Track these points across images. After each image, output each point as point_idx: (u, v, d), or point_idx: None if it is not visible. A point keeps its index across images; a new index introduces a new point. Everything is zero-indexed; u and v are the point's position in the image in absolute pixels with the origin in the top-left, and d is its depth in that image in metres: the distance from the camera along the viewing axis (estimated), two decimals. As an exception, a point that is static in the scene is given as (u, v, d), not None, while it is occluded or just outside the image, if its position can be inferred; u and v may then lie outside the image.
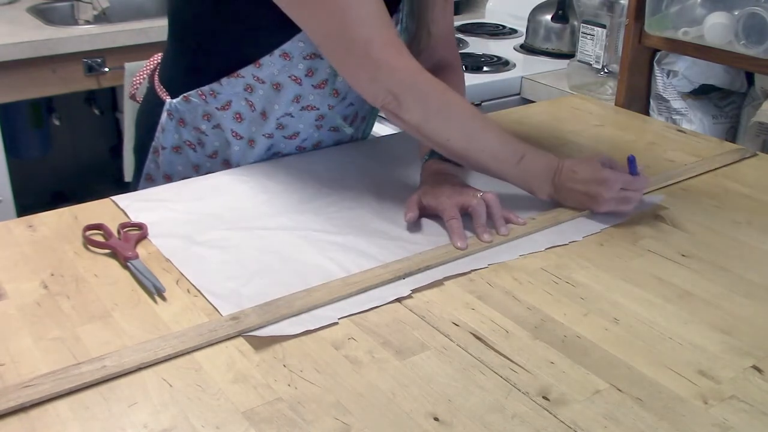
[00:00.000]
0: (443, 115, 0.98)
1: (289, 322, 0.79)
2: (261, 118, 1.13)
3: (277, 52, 1.06)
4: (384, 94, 0.97)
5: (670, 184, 1.15)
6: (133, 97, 1.30)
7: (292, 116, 1.13)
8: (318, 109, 1.14)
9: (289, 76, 1.09)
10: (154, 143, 1.19)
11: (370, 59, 0.96)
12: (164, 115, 1.17)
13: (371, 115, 1.28)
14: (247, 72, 1.09)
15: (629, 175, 1.02)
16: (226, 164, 1.17)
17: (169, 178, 1.20)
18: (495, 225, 0.98)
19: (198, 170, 1.19)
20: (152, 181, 1.22)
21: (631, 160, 1.04)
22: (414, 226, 1.00)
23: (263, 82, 1.09)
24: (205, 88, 1.12)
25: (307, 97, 1.12)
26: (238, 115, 1.13)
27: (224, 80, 1.10)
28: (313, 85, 1.11)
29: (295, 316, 0.80)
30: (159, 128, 1.18)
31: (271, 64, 1.08)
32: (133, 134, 1.27)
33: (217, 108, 1.13)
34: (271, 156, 1.18)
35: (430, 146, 1.04)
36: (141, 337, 0.77)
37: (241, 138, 1.15)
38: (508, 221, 1.00)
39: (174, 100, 1.15)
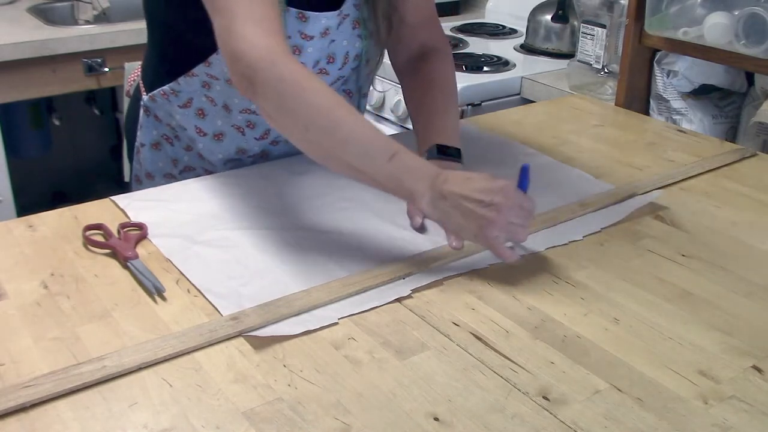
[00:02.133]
0: (301, 102, 0.86)
1: (289, 322, 0.79)
2: (224, 111, 1.12)
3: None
4: (239, 78, 0.89)
5: (670, 184, 1.16)
6: (128, 93, 1.31)
7: (255, 113, 1.11)
8: None
9: None
10: (136, 143, 1.20)
11: (230, 34, 0.88)
12: (141, 111, 1.18)
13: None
14: (200, 71, 1.08)
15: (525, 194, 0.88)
16: (202, 157, 1.17)
17: (150, 177, 1.21)
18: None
19: (176, 164, 1.19)
20: (139, 183, 1.23)
21: (524, 171, 0.90)
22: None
23: (217, 79, 1.09)
24: (166, 88, 1.12)
25: None
26: (200, 111, 1.12)
27: (181, 79, 1.10)
28: None
29: (295, 316, 0.80)
30: (138, 125, 1.19)
31: (220, 62, 1.06)
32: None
33: (179, 106, 1.12)
34: (242, 156, 1.17)
35: (291, 141, 0.91)
36: (141, 337, 0.77)
37: (205, 135, 1.14)
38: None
39: (145, 97, 1.16)
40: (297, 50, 1.06)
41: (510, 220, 0.84)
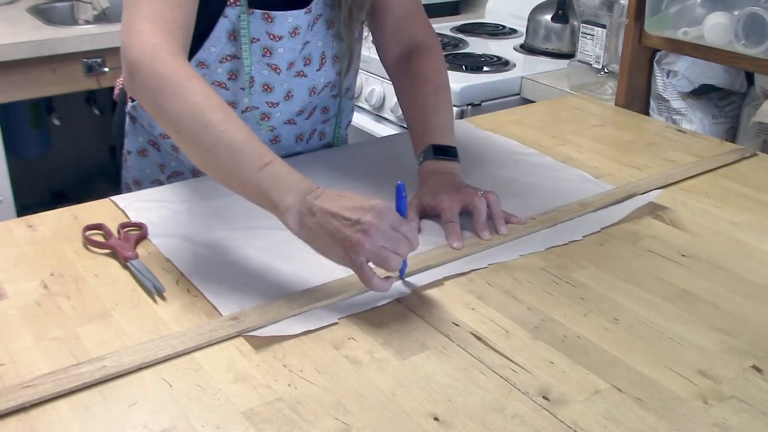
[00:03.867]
0: (176, 100, 0.84)
1: (289, 322, 0.79)
2: None
3: (192, 63, 1.03)
4: (124, 72, 0.88)
5: (670, 184, 1.16)
6: (116, 98, 1.30)
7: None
8: (258, 108, 1.10)
9: (213, 83, 1.05)
10: (123, 150, 1.20)
11: (126, 28, 0.89)
12: (127, 118, 1.18)
13: (338, 113, 1.23)
14: None
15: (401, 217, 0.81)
16: (187, 162, 1.16)
17: (138, 184, 1.20)
18: (495, 224, 0.97)
19: (164, 169, 1.18)
20: (129, 190, 1.22)
21: (399, 190, 0.84)
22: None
23: (235, 78, 1.07)
24: (137, 102, 1.11)
25: (241, 100, 1.08)
26: None
27: (192, 65, 1.09)
28: (241, 88, 1.07)
29: (295, 315, 0.80)
30: (124, 132, 1.19)
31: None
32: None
33: (153, 123, 1.12)
34: None
35: (169, 134, 0.88)
36: (141, 337, 0.77)
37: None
38: (508, 221, 0.99)
39: (130, 104, 1.16)
40: (267, 52, 1.05)
41: (380, 243, 0.77)
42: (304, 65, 1.10)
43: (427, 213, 1.01)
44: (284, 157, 1.15)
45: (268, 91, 1.09)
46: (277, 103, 1.11)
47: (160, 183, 1.18)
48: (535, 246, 0.96)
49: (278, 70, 1.07)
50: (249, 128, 0.85)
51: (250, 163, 0.82)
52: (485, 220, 0.97)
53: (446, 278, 0.89)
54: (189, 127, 0.83)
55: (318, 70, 1.11)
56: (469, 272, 0.90)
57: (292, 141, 1.18)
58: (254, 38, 1.03)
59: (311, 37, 1.08)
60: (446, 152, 1.05)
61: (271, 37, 1.04)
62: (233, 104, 1.08)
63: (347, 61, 1.16)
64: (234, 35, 1.03)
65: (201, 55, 1.03)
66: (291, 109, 1.13)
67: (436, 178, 1.03)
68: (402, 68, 1.18)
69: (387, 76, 1.21)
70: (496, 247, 0.96)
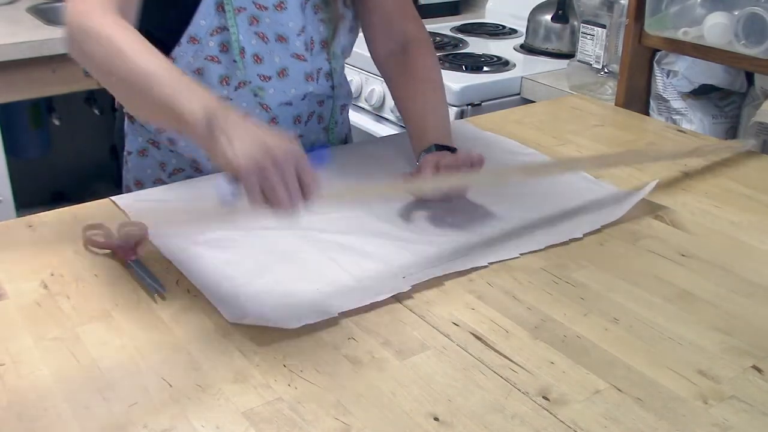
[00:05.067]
0: (101, 43, 0.87)
1: (288, 315, 0.79)
2: None
3: (184, 39, 1.05)
4: (64, 37, 0.91)
5: (670, 184, 1.15)
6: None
7: (230, 99, 1.10)
8: (251, 82, 1.09)
9: (205, 58, 1.06)
10: (124, 151, 1.20)
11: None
12: (126, 118, 1.18)
13: (336, 99, 1.21)
14: None
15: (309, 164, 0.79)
16: (187, 157, 1.15)
17: (140, 184, 1.20)
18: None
19: (165, 167, 1.18)
20: (129, 192, 1.21)
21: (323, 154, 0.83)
22: (414, 226, 1.00)
23: (226, 50, 1.08)
24: None
25: (234, 73, 1.08)
26: None
27: (183, 44, 1.09)
28: (233, 60, 1.07)
29: (293, 310, 0.80)
30: (124, 132, 1.19)
31: (183, 54, 1.06)
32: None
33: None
34: None
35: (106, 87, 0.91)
36: (141, 337, 0.77)
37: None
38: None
39: None
40: (255, 20, 1.06)
41: (276, 180, 0.75)
42: (305, 50, 1.10)
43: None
44: None
45: (259, 62, 1.08)
46: (270, 77, 1.10)
47: (162, 182, 1.18)
48: (535, 244, 0.96)
49: (266, 39, 1.07)
50: (166, 59, 0.86)
51: (175, 73, 0.83)
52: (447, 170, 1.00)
53: (446, 278, 0.89)
54: (112, 66, 0.85)
55: (313, 56, 1.12)
56: (469, 272, 0.90)
57: (290, 122, 1.17)
58: (241, 8, 1.04)
59: (306, 22, 1.09)
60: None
61: (258, 6, 1.05)
62: (226, 78, 1.08)
63: (349, 51, 1.18)
64: (221, 6, 1.04)
65: (192, 29, 1.05)
66: (285, 88, 1.12)
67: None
68: (395, 64, 1.18)
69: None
70: (497, 245, 0.96)
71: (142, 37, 0.88)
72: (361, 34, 1.22)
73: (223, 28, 1.05)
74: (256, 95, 1.11)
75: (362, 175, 1.14)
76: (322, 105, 1.20)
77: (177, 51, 1.06)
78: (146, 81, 0.83)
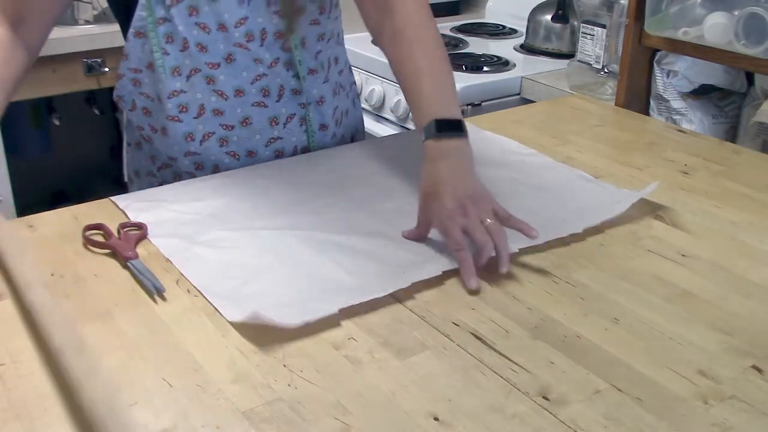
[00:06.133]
0: None
1: (288, 312, 0.79)
2: (158, 102, 1.11)
3: (130, 34, 1.07)
4: None
5: (670, 184, 1.15)
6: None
7: (185, 91, 1.10)
8: (201, 70, 1.09)
9: (153, 51, 1.07)
10: (124, 143, 1.22)
11: None
12: (125, 112, 1.19)
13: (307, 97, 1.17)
14: (124, 68, 1.11)
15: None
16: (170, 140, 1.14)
17: (137, 175, 1.22)
18: (499, 261, 0.88)
19: (154, 161, 1.18)
20: (131, 182, 1.25)
21: None
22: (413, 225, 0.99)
23: (140, 71, 1.10)
24: (114, 95, 1.15)
25: (183, 62, 1.08)
26: (145, 110, 1.14)
27: (117, 84, 1.12)
28: (179, 50, 1.07)
29: (294, 305, 0.80)
30: (123, 125, 1.21)
31: (133, 49, 1.08)
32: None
33: (129, 110, 1.14)
34: (191, 142, 1.13)
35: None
36: (141, 337, 0.77)
37: (156, 131, 1.14)
38: (520, 230, 0.91)
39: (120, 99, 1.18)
40: (194, 11, 1.06)
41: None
42: (247, 41, 1.09)
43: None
44: (265, 142, 1.15)
45: (204, 51, 1.08)
46: (218, 64, 1.09)
47: (152, 175, 1.19)
48: (536, 240, 0.94)
49: (207, 29, 1.07)
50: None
51: None
52: (483, 263, 0.88)
53: (446, 278, 0.88)
54: None
55: (261, 46, 1.10)
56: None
57: (265, 124, 1.15)
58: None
59: (250, 13, 1.08)
60: (451, 127, 0.96)
61: None
62: (178, 69, 1.08)
63: (322, 41, 1.15)
64: None
65: (135, 24, 1.06)
66: (236, 73, 1.10)
67: (438, 169, 0.94)
68: (385, 33, 1.07)
69: (386, 76, 1.20)
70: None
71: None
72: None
73: (165, 19, 1.06)
74: (208, 83, 1.10)
75: (362, 175, 1.14)
76: (303, 108, 1.17)
77: (127, 46, 1.07)
78: None
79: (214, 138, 1.13)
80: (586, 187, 1.13)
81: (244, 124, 1.13)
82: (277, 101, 1.14)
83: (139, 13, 1.05)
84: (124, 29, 1.09)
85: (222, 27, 1.07)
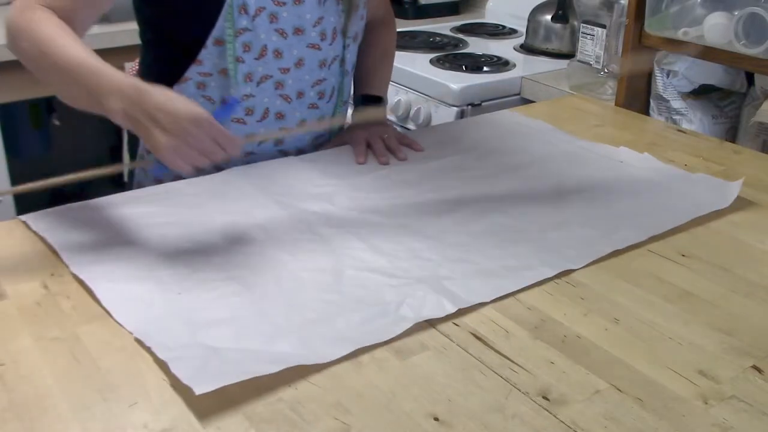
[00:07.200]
0: (29, 38, 0.96)
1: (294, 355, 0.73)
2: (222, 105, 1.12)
3: (209, 42, 1.08)
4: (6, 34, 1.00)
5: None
6: None
7: (253, 95, 1.13)
8: (272, 76, 1.13)
9: (230, 58, 1.09)
10: (139, 149, 1.21)
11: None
12: None
13: (341, 85, 1.24)
14: (192, 73, 1.11)
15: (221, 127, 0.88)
16: None
17: (159, 182, 1.20)
18: (394, 155, 1.20)
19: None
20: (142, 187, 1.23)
21: (232, 104, 1.02)
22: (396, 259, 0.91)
23: (210, 75, 1.11)
24: None
25: (256, 70, 1.11)
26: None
27: (175, 87, 1.11)
28: (255, 58, 1.11)
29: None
30: None
31: (210, 56, 1.09)
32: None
33: None
34: (250, 145, 1.17)
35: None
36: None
37: None
38: (409, 146, 1.22)
39: None
40: (274, 18, 1.09)
41: (193, 150, 0.86)
42: (321, 40, 1.14)
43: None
44: (312, 140, 1.24)
45: (279, 57, 1.13)
46: (288, 69, 1.14)
47: (160, 181, 1.19)
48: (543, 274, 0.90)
49: (285, 35, 1.11)
50: (89, 51, 0.94)
51: (84, 72, 0.92)
52: (384, 152, 1.19)
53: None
54: (40, 60, 0.95)
55: (330, 45, 1.17)
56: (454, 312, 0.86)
57: (305, 108, 1.20)
58: (261, 7, 1.08)
59: (324, 12, 1.14)
60: (372, 100, 1.28)
61: (276, 2, 1.09)
62: (250, 75, 1.11)
63: (361, 38, 1.25)
64: (244, 8, 1.07)
65: (216, 32, 1.08)
66: (301, 76, 1.16)
67: (357, 118, 1.23)
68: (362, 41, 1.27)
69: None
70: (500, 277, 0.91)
71: (67, 29, 0.95)
72: None
73: (246, 29, 1.08)
74: (276, 88, 1.14)
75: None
76: (332, 95, 1.23)
77: (203, 53, 1.09)
78: (70, 73, 0.92)
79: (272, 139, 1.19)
80: (660, 178, 1.15)
81: (299, 125, 1.21)
82: (327, 102, 1.22)
83: (222, 23, 1.07)
84: (199, 37, 1.08)
85: (297, 30, 1.12)
